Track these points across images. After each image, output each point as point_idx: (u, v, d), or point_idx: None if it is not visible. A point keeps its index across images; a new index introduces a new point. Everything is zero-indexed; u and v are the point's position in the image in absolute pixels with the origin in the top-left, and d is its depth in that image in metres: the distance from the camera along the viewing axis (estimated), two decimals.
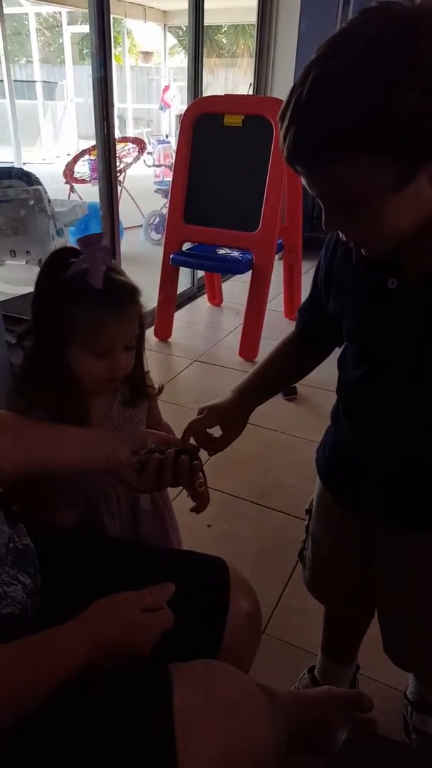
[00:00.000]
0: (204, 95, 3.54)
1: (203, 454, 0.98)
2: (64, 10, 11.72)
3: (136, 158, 5.83)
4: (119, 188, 3.84)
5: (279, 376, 1.08)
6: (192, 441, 0.99)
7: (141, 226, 5.40)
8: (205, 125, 2.96)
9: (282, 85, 4.23)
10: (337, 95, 0.59)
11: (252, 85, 4.41)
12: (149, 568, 0.93)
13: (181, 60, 12.78)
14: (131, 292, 0.97)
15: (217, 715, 0.71)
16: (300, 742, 0.89)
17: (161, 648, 0.74)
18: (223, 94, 3.35)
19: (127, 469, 0.92)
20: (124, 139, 5.92)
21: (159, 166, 7.11)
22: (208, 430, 1.01)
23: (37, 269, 1.01)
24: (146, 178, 7.05)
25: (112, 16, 2.59)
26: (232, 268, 3.11)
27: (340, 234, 0.75)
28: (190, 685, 0.72)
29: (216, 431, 1.02)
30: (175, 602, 0.77)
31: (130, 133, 11.04)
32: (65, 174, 5.63)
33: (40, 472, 0.95)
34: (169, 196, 3.13)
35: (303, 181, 0.69)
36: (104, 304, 0.92)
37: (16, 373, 1.02)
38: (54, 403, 0.97)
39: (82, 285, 0.91)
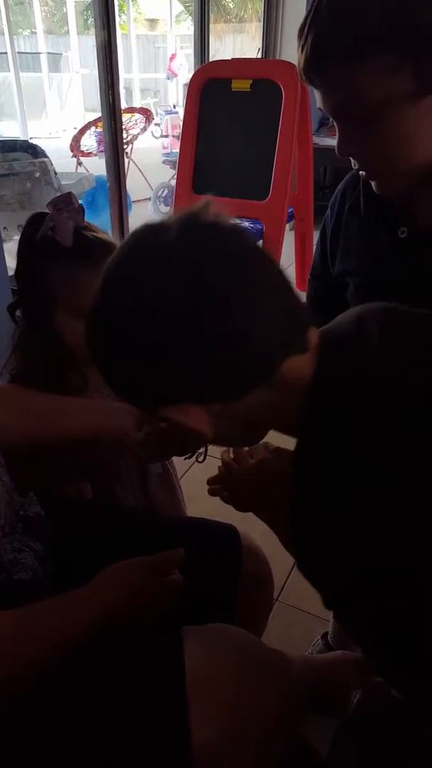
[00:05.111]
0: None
1: None
2: None
3: (143, 129, 5.73)
4: (126, 160, 3.79)
5: None
6: None
7: (150, 199, 5.33)
8: (213, 91, 2.88)
9: (291, 50, 4.09)
10: None
11: (261, 50, 4.29)
12: (161, 535, 0.93)
13: (188, 27, 12.44)
14: (106, 246, 0.92)
15: (228, 677, 0.72)
16: (314, 704, 0.90)
17: (174, 614, 0.74)
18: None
19: (134, 438, 0.91)
20: (131, 110, 5.81)
21: (166, 136, 7.00)
22: None
23: None
24: (154, 150, 6.94)
25: None
26: None
27: (353, 162, 0.72)
28: (201, 648, 0.73)
29: None
30: (187, 568, 0.77)
31: (137, 104, 10.83)
32: (72, 147, 5.55)
33: (47, 443, 0.94)
34: (177, 165, 3.07)
35: (319, 98, 0.67)
36: (77, 261, 0.89)
37: (13, 347, 1.00)
38: (50, 373, 0.96)
39: (53, 246, 0.89)
